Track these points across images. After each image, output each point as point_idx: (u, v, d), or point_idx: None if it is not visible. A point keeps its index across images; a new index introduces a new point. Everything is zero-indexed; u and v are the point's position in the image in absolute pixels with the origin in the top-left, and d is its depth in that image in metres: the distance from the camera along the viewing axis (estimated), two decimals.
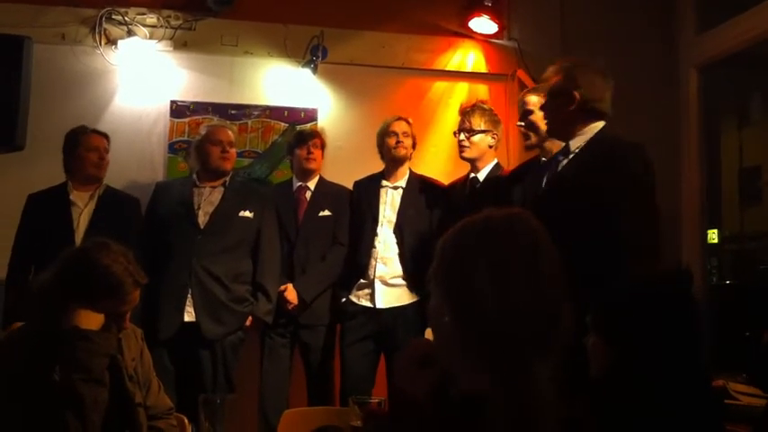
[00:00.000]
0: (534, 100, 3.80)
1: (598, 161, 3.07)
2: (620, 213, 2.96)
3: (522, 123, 3.83)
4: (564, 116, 3.21)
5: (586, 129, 3.19)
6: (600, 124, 3.19)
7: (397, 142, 4.46)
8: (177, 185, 4.44)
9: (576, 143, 3.20)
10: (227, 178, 4.41)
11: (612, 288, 2.08)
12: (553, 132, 3.35)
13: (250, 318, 4.26)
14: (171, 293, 4.12)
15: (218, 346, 4.14)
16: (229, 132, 4.46)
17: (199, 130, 4.56)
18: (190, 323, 4.11)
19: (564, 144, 3.29)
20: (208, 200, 4.31)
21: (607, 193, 2.98)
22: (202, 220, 4.24)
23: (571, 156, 3.20)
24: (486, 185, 4.16)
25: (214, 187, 4.36)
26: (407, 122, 4.52)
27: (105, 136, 4.33)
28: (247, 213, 4.32)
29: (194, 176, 4.43)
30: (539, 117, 3.70)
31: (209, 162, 4.36)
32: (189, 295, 4.13)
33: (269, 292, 4.27)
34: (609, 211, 2.96)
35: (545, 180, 3.33)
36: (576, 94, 3.15)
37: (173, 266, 4.15)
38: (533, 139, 3.81)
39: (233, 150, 4.41)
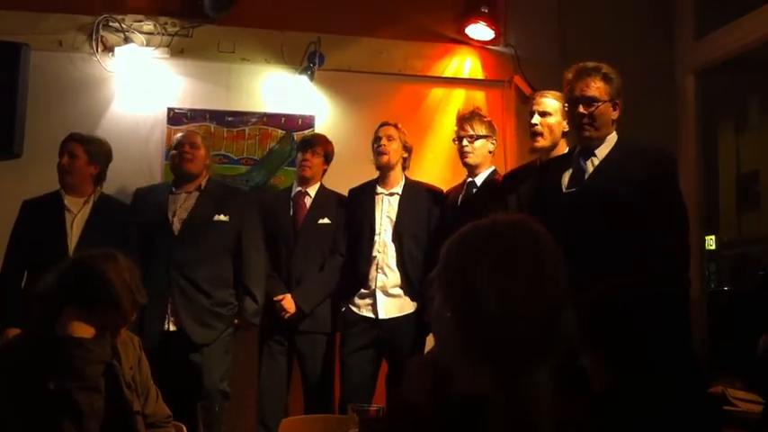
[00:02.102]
0: (553, 104, 3.84)
1: (638, 167, 3.18)
2: (665, 217, 3.12)
3: (537, 124, 3.84)
4: (609, 122, 3.30)
5: (610, 136, 3.31)
6: (615, 133, 3.33)
7: (380, 147, 4.43)
8: (155, 193, 4.42)
9: (603, 149, 3.30)
10: (202, 183, 4.37)
11: (602, 299, 2.04)
12: (592, 138, 3.32)
13: (237, 319, 4.26)
14: (152, 303, 4.02)
15: (207, 350, 4.11)
16: (193, 135, 4.44)
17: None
18: (173, 332, 4.09)
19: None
20: (183, 206, 4.28)
21: (652, 198, 3.11)
22: (177, 227, 4.21)
23: (597, 162, 3.29)
24: (483, 190, 4.17)
25: (189, 192, 4.33)
26: (394, 127, 4.47)
27: (80, 140, 4.22)
28: (222, 217, 4.27)
29: (171, 184, 4.43)
30: (557, 121, 3.83)
31: (173, 166, 4.38)
32: (170, 304, 4.10)
33: (255, 294, 4.24)
34: (653, 215, 3.09)
35: (566, 182, 3.37)
36: (618, 102, 3.25)
37: (152, 275, 3.99)
38: (546, 142, 3.83)
39: (197, 152, 4.34)
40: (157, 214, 4.25)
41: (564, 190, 3.35)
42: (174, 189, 4.36)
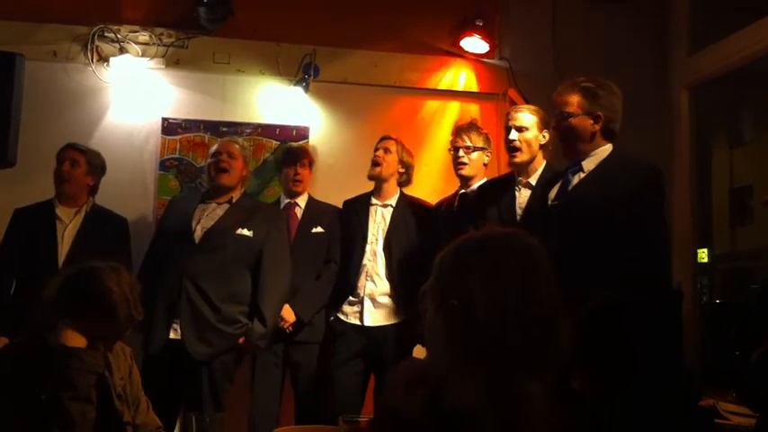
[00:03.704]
0: (529, 119, 3.85)
1: (622, 181, 3.19)
2: (646, 233, 3.11)
3: (515, 139, 3.85)
4: (586, 135, 3.29)
5: (599, 149, 3.31)
6: (610, 146, 3.32)
7: (375, 157, 4.47)
8: (186, 200, 4.39)
9: (590, 163, 3.30)
10: (235, 195, 4.29)
11: (593, 312, 2.04)
12: (570, 151, 3.35)
13: (242, 338, 4.13)
14: (162, 309, 4.02)
15: (206, 368, 4.00)
16: (231, 144, 4.36)
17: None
18: (176, 340, 4.00)
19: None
20: (210, 215, 4.19)
21: (634, 213, 3.10)
22: (198, 235, 4.11)
23: (584, 175, 3.29)
24: (466, 203, 4.20)
25: (219, 204, 4.25)
26: (395, 141, 4.50)
27: (82, 150, 4.23)
28: (246, 231, 4.15)
29: (203, 192, 4.40)
30: (534, 136, 3.86)
31: (208, 175, 4.33)
32: (178, 312, 4.02)
33: (265, 317, 4.10)
34: (633, 229, 3.08)
35: (553, 195, 3.39)
36: (600, 114, 3.23)
37: (167, 282, 4.05)
38: (525, 156, 3.84)
39: (234, 162, 4.26)
40: (183, 221, 4.17)
41: (549, 203, 3.37)
42: (206, 198, 4.30)
